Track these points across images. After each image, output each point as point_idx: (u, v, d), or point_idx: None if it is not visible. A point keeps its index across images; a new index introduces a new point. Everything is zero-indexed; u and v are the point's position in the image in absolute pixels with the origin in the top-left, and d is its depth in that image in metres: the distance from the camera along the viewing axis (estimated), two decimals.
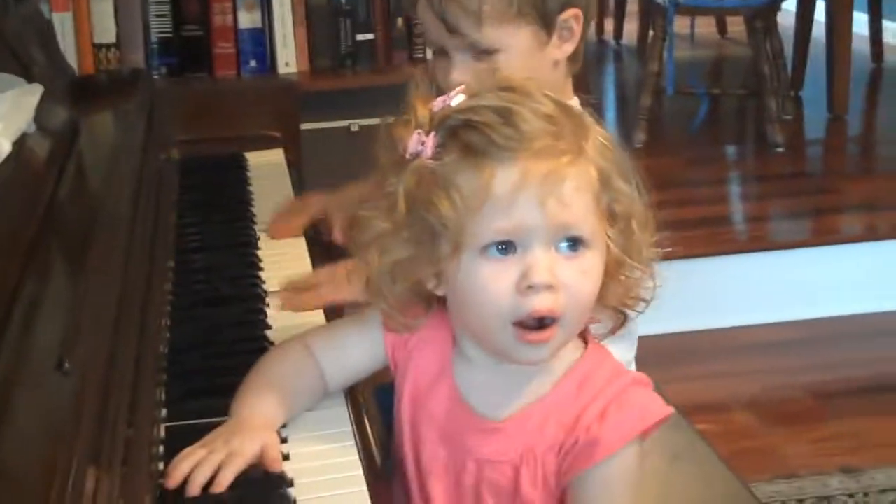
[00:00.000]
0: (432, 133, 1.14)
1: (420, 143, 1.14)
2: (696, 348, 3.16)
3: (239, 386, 1.25)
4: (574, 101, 1.57)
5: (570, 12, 1.54)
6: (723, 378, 3.06)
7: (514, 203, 1.10)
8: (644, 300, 1.22)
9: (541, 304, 1.12)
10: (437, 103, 1.17)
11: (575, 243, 1.13)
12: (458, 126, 1.13)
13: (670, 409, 1.20)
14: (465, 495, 1.23)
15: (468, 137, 1.12)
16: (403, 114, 1.19)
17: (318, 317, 1.53)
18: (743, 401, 2.95)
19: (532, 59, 1.54)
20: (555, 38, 1.55)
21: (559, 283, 1.12)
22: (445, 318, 1.23)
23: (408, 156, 1.15)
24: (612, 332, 1.25)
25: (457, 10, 1.50)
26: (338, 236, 1.79)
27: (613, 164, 1.16)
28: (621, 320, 1.23)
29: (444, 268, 1.15)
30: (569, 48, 1.57)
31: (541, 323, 1.13)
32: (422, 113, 1.17)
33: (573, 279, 1.13)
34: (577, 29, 1.56)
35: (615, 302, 1.21)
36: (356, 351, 1.29)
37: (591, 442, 1.16)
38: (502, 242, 1.11)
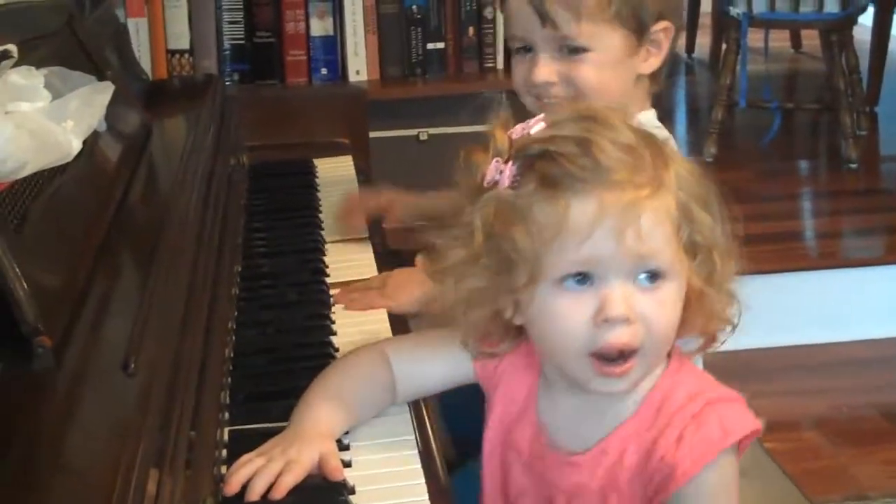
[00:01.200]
0: (510, 162, 1.13)
1: (498, 171, 1.13)
2: (766, 365, 3.11)
3: (303, 390, 1.25)
4: (651, 114, 1.55)
5: (662, 24, 1.52)
6: (793, 396, 3.01)
7: (590, 235, 1.08)
8: (730, 324, 1.19)
9: (617, 337, 1.11)
10: (517, 130, 1.15)
11: (654, 275, 1.11)
12: (536, 156, 1.12)
13: (758, 424, 1.17)
14: None
15: (545, 168, 1.10)
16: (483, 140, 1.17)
17: (383, 322, 1.53)
18: (813, 419, 2.90)
19: (619, 67, 1.51)
20: (643, 50, 1.52)
21: (636, 316, 1.11)
22: (532, 346, 1.22)
23: (485, 183, 1.14)
24: (703, 349, 1.23)
25: (558, 4, 1.48)
26: (391, 222, 1.87)
27: (695, 195, 1.14)
28: (711, 338, 1.21)
29: (520, 297, 1.14)
30: (654, 62, 1.53)
31: (619, 354, 1.12)
32: (501, 140, 1.15)
33: (651, 311, 1.11)
34: (666, 43, 1.53)
35: (698, 329, 1.19)
36: (437, 368, 1.29)
37: (669, 469, 1.14)
38: (578, 274, 1.10)
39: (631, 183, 1.09)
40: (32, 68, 1.11)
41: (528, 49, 1.52)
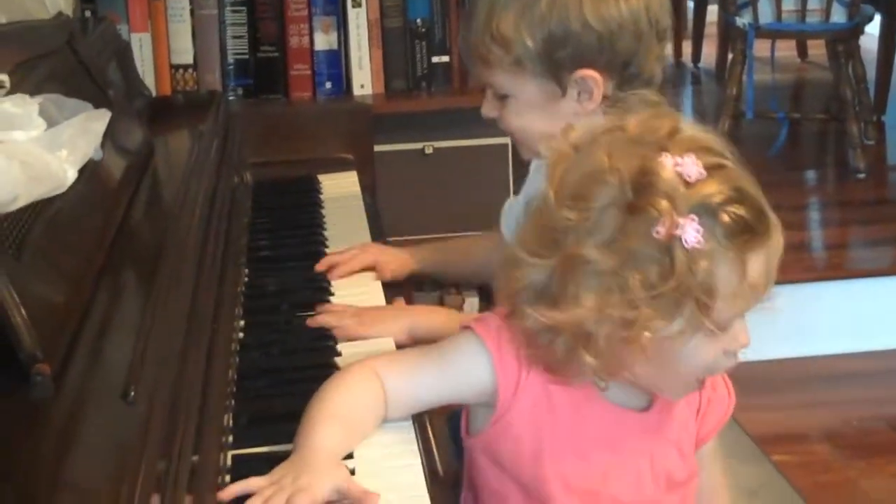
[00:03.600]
0: (695, 219, 1.10)
1: (681, 227, 1.10)
2: (775, 378, 3.09)
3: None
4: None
5: (586, 72, 1.49)
6: (802, 408, 3.00)
7: (760, 287, 1.13)
8: None
9: (735, 361, 1.19)
10: (686, 168, 1.12)
11: None
12: (720, 212, 1.11)
13: None
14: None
15: (730, 228, 1.11)
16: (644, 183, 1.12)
17: (388, 343, 1.51)
18: (823, 432, 2.88)
19: (544, 111, 1.52)
20: (572, 93, 1.50)
21: None
22: None
23: (660, 235, 1.10)
24: None
25: (470, 52, 1.55)
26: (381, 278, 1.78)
27: None
28: None
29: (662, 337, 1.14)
30: (590, 106, 1.50)
31: None
32: (677, 188, 1.11)
33: None
34: (597, 91, 1.49)
35: None
36: (427, 386, 1.27)
37: (722, 396, 1.31)
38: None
39: (777, 226, 1.15)
40: (26, 96, 1.09)
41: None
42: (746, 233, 1.11)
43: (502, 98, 1.54)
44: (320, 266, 1.75)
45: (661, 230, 1.09)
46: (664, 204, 1.10)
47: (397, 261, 1.80)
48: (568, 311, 1.13)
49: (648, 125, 1.18)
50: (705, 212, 1.10)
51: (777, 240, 1.14)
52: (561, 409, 1.24)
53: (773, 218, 1.15)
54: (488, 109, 1.57)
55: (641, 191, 1.11)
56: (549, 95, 1.51)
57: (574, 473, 1.25)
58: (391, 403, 1.26)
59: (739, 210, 1.11)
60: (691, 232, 1.09)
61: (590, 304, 1.12)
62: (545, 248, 1.15)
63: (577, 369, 1.18)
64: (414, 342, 1.51)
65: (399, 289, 1.75)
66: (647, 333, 1.12)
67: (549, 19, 1.47)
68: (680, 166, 1.12)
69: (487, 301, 3.11)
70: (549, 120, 1.50)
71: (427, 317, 1.57)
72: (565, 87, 1.50)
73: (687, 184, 1.11)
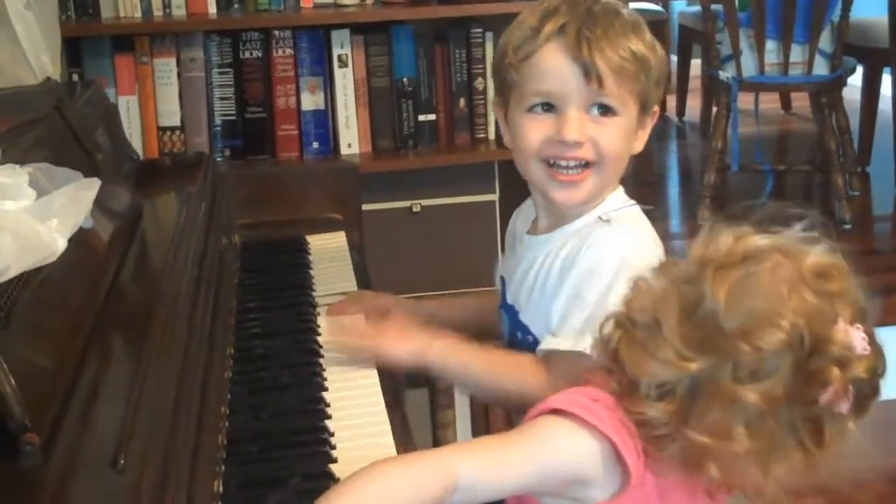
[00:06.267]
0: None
1: (850, 402, 1.17)
2: None
3: (297, 476, 1.22)
4: (621, 190, 1.56)
5: (655, 108, 1.55)
6: None
7: None
8: None
9: None
10: (856, 341, 1.16)
11: None
12: (860, 385, 1.17)
13: None
14: None
15: (866, 399, 1.19)
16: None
17: (375, 387, 1.51)
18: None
19: (629, 140, 1.52)
20: (639, 131, 1.54)
21: None
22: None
23: (838, 411, 1.17)
24: None
25: (607, 58, 1.45)
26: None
27: None
28: None
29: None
30: (640, 145, 1.55)
31: None
32: (852, 364, 1.16)
33: None
34: (650, 127, 1.55)
35: None
36: (519, 470, 1.20)
37: None
38: None
39: None
40: (17, 166, 1.10)
41: (548, 108, 1.48)
42: (864, 410, 1.19)
43: (603, 115, 1.48)
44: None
45: (827, 398, 1.15)
46: (837, 373, 1.14)
47: (405, 309, 1.79)
48: (710, 436, 1.15)
49: (818, 266, 1.19)
50: (856, 385, 1.16)
51: None
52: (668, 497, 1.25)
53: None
54: (579, 131, 1.46)
55: (818, 353, 1.15)
56: (636, 126, 1.52)
57: None
58: (463, 492, 1.17)
59: (871, 388, 1.18)
60: (846, 404, 1.16)
61: (740, 437, 1.15)
62: (693, 352, 1.16)
63: (693, 471, 1.20)
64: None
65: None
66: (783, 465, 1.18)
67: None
68: (850, 336, 1.16)
69: None
70: (627, 152, 1.54)
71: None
72: (642, 121, 1.53)
73: (853, 356, 1.15)
